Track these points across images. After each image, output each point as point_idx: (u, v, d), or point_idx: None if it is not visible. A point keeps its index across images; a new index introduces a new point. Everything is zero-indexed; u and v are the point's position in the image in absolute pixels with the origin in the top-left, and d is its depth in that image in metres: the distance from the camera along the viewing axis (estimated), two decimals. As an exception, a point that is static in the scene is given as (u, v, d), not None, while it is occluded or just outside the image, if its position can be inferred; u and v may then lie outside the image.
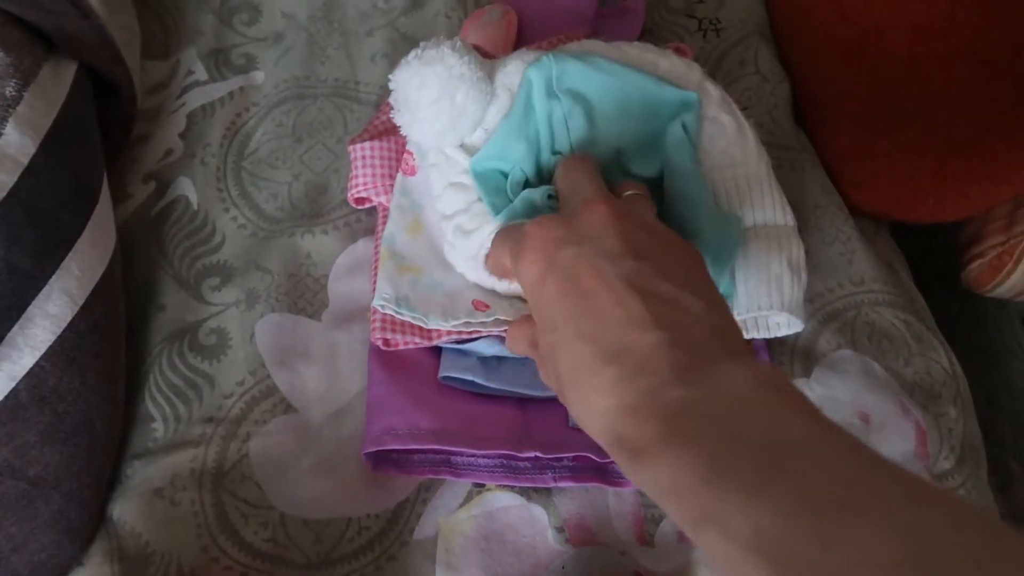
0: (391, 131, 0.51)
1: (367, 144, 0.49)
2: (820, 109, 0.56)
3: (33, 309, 0.40)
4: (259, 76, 0.58)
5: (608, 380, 0.28)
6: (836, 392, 0.46)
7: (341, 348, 0.48)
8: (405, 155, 0.48)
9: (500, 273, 0.41)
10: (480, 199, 0.42)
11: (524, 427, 0.44)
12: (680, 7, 0.60)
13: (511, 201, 0.41)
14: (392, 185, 0.48)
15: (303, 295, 0.49)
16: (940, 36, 0.46)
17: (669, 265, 0.31)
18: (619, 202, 0.34)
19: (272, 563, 0.42)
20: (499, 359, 0.45)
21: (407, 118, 0.42)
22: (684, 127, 0.42)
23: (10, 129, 0.43)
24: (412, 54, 0.41)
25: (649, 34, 0.60)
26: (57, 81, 0.47)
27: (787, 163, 0.54)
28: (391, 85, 0.42)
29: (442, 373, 0.44)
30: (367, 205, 0.51)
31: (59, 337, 0.41)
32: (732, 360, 0.28)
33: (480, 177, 0.42)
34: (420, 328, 0.44)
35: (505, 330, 0.42)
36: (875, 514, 0.22)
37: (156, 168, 0.54)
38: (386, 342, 0.44)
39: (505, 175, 0.43)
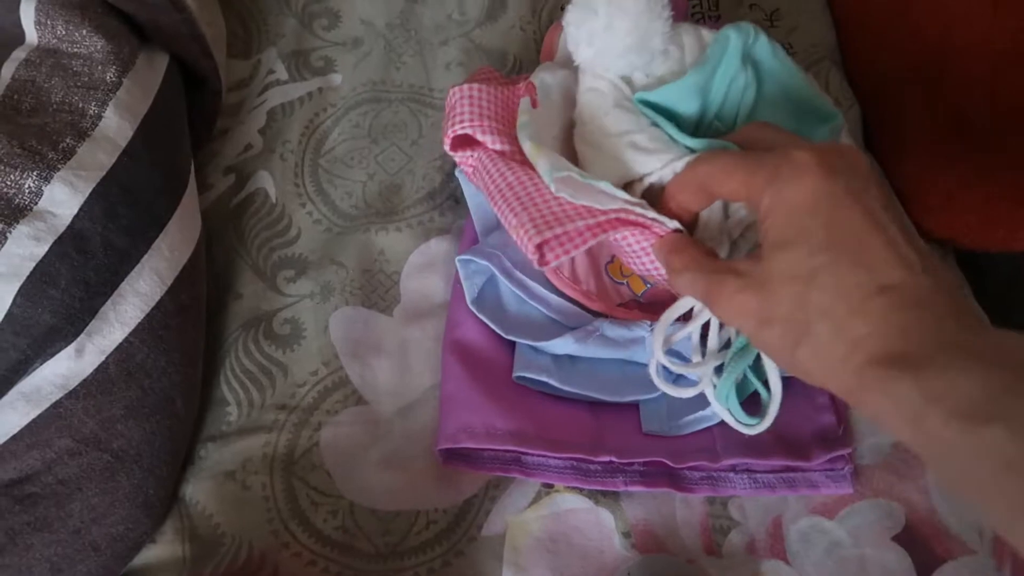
0: (494, 81, 0.47)
1: (473, 85, 0.44)
2: (892, 134, 0.56)
3: (125, 286, 0.41)
4: (337, 78, 0.59)
5: (879, 307, 0.28)
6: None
7: (412, 344, 0.48)
8: (529, 85, 0.44)
9: (694, 203, 0.37)
10: (652, 125, 0.41)
11: (597, 432, 0.44)
12: (751, 30, 0.61)
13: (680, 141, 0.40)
14: (499, 129, 0.43)
15: (376, 290, 0.50)
16: (1023, 66, 0.47)
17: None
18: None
19: (341, 551, 0.42)
20: (572, 359, 0.45)
21: (602, 24, 0.40)
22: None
23: (110, 113, 0.44)
24: None
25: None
26: (152, 70, 0.49)
27: (857, 185, 0.54)
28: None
29: (516, 373, 0.44)
30: (463, 151, 0.45)
31: (147, 315, 0.42)
32: (986, 325, 0.29)
33: (653, 108, 0.41)
34: (576, 234, 0.38)
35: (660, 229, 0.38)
36: None
37: (236, 162, 0.55)
38: (542, 253, 0.38)
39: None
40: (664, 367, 0.40)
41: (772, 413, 0.38)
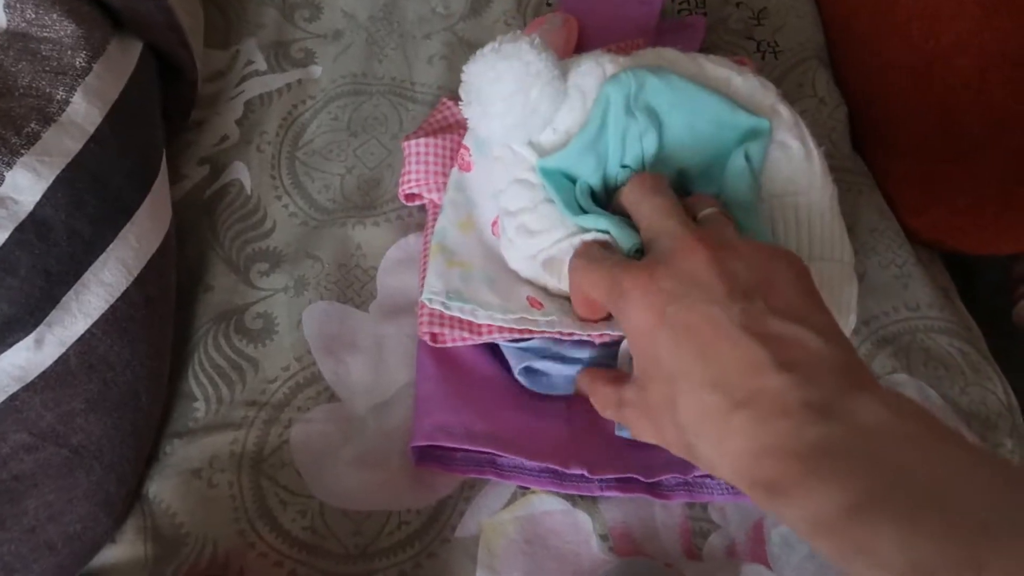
0: (446, 129, 0.50)
1: (421, 140, 0.49)
2: (880, 135, 0.55)
3: (89, 276, 0.40)
4: (317, 70, 0.58)
5: (741, 425, 0.28)
6: (892, 416, 0.45)
7: (388, 340, 0.47)
8: (462, 150, 0.47)
9: (587, 311, 0.40)
10: (546, 200, 0.41)
11: (571, 443, 0.42)
12: (740, 29, 0.61)
13: (580, 206, 0.40)
14: (444, 183, 0.48)
15: (352, 285, 0.49)
16: (1014, 65, 0.46)
17: (777, 296, 0.31)
18: (709, 235, 0.34)
19: (309, 552, 0.41)
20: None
21: (477, 111, 0.41)
22: (747, 157, 0.40)
23: (78, 98, 0.43)
24: (488, 47, 0.40)
25: (707, 53, 0.60)
26: (125, 56, 0.47)
27: (844, 185, 0.53)
28: (463, 76, 0.41)
29: (519, 366, 0.43)
30: (418, 202, 0.51)
31: (112, 306, 0.40)
32: (862, 393, 0.28)
33: (549, 176, 0.41)
34: (469, 324, 0.43)
35: (560, 333, 0.41)
36: None
37: (211, 152, 0.54)
38: (433, 337, 0.43)
39: (572, 180, 0.42)
40: None
41: None
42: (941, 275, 0.55)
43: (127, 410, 0.40)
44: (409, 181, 0.49)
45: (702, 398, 0.29)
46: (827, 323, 0.31)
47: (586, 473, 0.41)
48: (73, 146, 0.41)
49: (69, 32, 0.44)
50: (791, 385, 0.28)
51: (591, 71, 0.42)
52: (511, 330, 0.42)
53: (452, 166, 0.48)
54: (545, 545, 0.42)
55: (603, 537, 0.42)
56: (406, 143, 0.49)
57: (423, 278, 0.44)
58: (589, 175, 0.41)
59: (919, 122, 0.52)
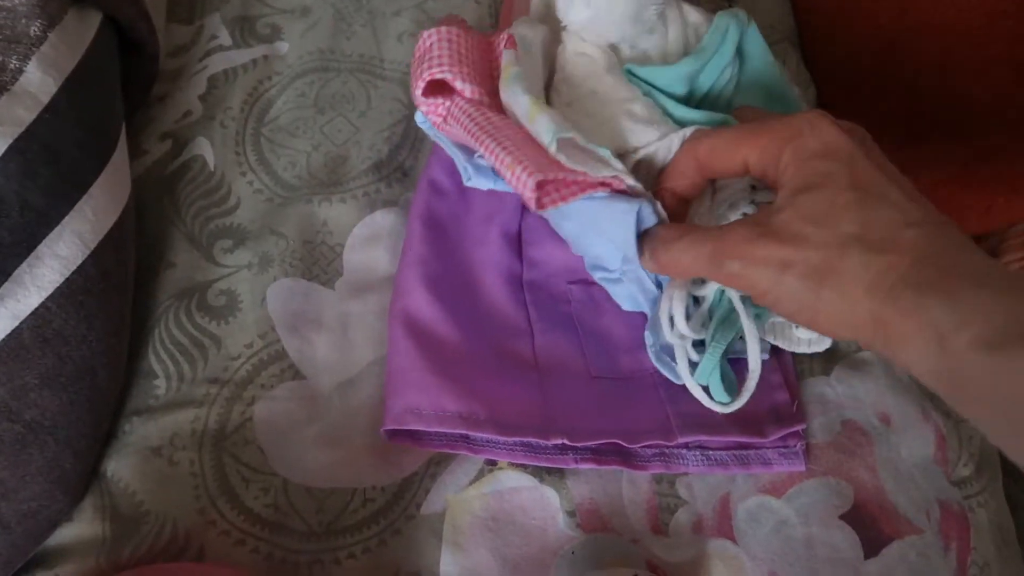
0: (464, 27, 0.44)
1: (450, 27, 0.41)
2: (847, 116, 0.55)
3: (43, 248, 0.39)
4: (283, 47, 0.57)
5: (911, 237, 0.29)
6: (856, 391, 0.45)
7: (354, 318, 0.46)
8: (511, 38, 0.41)
9: (699, 176, 0.38)
10: (647, 95, 0.41)
11: (547, 412, 0.42)
12: (710, 11, 0.60)
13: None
14: (478, 79, 0.40)
15: (317, 262, 0.48)
16: (976, 44, 0.47)
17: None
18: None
19: (272, 530, 0.40)
20: None
21: None
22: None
23: (32, 68, 0.41)
24: None
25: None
26: (83, 27, 0.46)
27: (812, 165, 0.54)
28: None
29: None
30: (437, 101, 0.41)
31: (67, 280, 0.39)
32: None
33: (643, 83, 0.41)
34: (573, 183, 0.36)
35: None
36: None
37: (174, 128, 0.53)
38: (539, 195, 0.35)
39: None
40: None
41: (750, 389, 0.39)
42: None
43: (83, 386, 0.39)
44: (440, 65, 0.39)
45: (878, 210, 0.30)
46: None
47: (566, 442, 0.41)
48: (26, 116, 0.40)
49: (23, 0, 0.43)
50: (953, 226, 0.30)
51: (672, 6, 0.44)
52: (613, 187, 0.37)
53: (480, 64, 0.41)
54: (511, 521, 0.41)
55: (570, 513, 0.42)
56: (428, 32, 0.41)
57: (506, 153, 0.36)
58: (676, 98, 0.42)
59: (884, 103, 0.52)
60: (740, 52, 0.43)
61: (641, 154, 0.39)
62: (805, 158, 0.32)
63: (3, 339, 0.37)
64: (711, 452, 0.43)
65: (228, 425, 0.42)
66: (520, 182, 0.35)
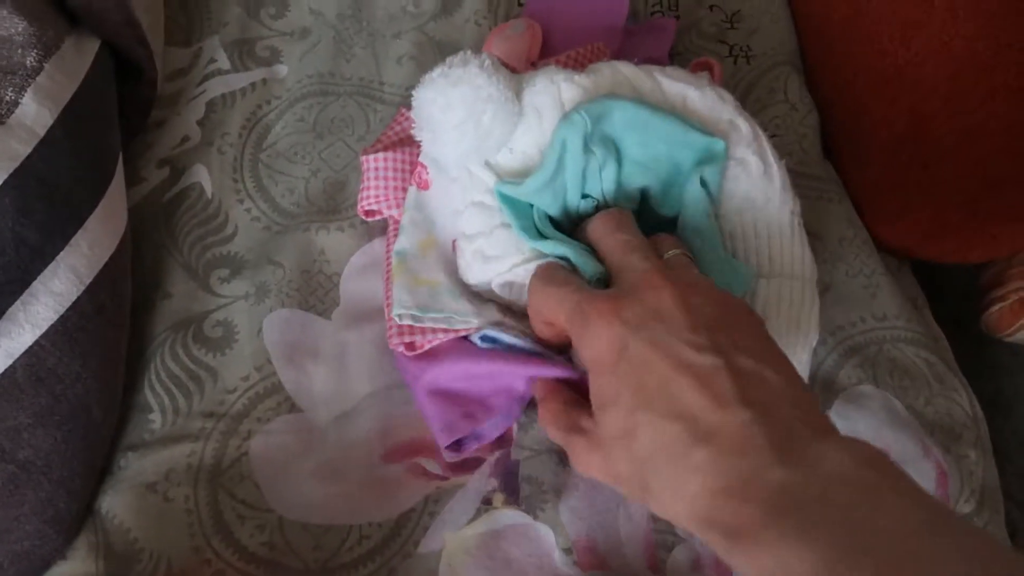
0: (405, 142, 0.49)
1: (380, 155, 0.48)
2: (850, 141, 0.55)
3: (37, 285, 0.39)
4: (282, 70, 0.57)
5: (702, 460, 0.28)
6: (857, 427, 0.45)
7: (351, 349, 0.46)
8: (419, 168, 0.45)
9: (547, 333, 0.39)
10: (503, 224, 0.40)
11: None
12: (712, 32, 0.60)
13: (538, 230, 0.40)
14: (404, 198, 0.46)
15: (315, 292, 0.48)
16: (983, 72, 0.46)
17: (740, 336, 0.31)
18: (673, 273, 0.34)
19: (267, 568, 0.40)
20: None
21: (429, 137, 0.40)
22: (703, 182, 0.40)
23: (28, 99, 0.41)
24: (437, 71, 0.39)
25: (679, 57, 0.59)
26: (79, 56, 0.46)
27: (814, 194, 0.53)
28: (413, 102, 0.40)
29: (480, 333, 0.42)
30: (378, 217, 0.49)
31: (62, 316, 0.39)
32: (823, 439, 0.28)
33: (506, 200, 0.40)
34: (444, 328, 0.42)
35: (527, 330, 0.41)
36: None
37: (171, 154, 0.52)
38: (409, 346, 0.42)
39: (531, 204, 0.41)
40: None
41: None
42: (910, 284, 0.55)
43: (78, 424, 0.39)
44: (368, 197, 0.48)
45: (664, 429, 0.29)
46: (787, 366, 0.31)
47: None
48: (22, 150, 0.40)
49: (20, 30, 0.43)
50: (755, 421, 0.28)
51: (545, 89, 0.41)
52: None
53: (411, 181, 0.47)
54: (507, 559, 0.41)
55: (566, 551, 0.41)
56: (364, 158, 0.48)
57: (388, 294, 0.43)
58: (548, 207, 0.40)
59: (889, 129, 0.52)
60: (606, 139, 0.40)
61: (498, 282, 0.41)
62: (592, 368, 0.33)
63: (-3, 378, 0.37)
64: None
65: (224, 460, 0.42)
66: (389, 335, 0.42)
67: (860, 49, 0.54)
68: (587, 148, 0.39)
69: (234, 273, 0.48)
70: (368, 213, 0.49)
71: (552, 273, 0.37)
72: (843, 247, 0.52)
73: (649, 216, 0.42)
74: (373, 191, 0.47)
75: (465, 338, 0.42)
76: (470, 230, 0.42)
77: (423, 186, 0.45)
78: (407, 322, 0.41)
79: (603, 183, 0.40)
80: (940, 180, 0.49)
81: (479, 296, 0.43)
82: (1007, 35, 0.46)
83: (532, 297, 0.37)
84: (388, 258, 0.46)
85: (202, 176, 0.51)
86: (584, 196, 0.40)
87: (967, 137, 0.48)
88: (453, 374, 0.41)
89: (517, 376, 0.41)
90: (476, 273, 0.41)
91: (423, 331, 0.42)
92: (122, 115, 0.50)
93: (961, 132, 0.48)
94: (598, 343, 0.32)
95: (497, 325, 0.41)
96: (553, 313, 0.35)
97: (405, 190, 0.47)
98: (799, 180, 0.51)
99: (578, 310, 0.33)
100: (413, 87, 0.55)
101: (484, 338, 0.41)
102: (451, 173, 0.43)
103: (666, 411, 0.29)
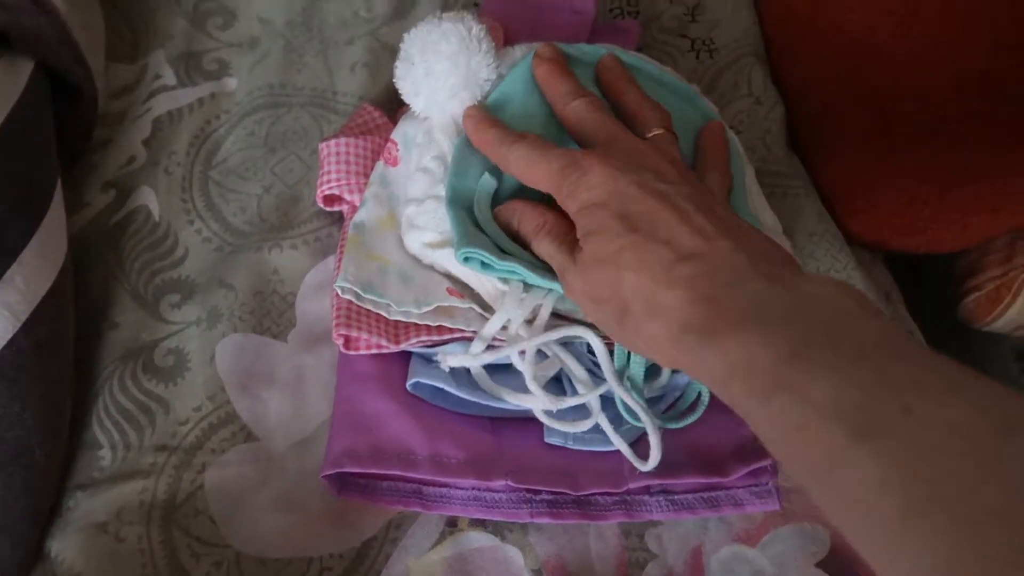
0: (367, 133, 0.48)
1: (341, 140, 0.46)
2: (816, 134, 0.54)
3: (-31, 325, 0.37)
4: (231, 83, 0.55)
5: (685, 274, 0.29)
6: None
7: (308, 372, 0.45)
8: (389, 144, 0.45)
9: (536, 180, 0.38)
10: (436, 197, 0.40)
11: (495, 449, 0.40)
12: (673, 27, 0.59)
13: (478, 224, 0.39)
14: (366, 185, 0.45)
15: (269, 314, 0.46)
16: (949, 60, 0.45)
17: (719, 208, 0.33)
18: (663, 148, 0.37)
19: (224, 607, 0.38)
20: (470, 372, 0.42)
21: (420, 71, 0.40)
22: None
23: (-46, 129, 0.40)
24: (429, 16, 0.41)
25: (640, 53, 0.57)
26: (11, 79, 0.44)
27: (780, 190, 0.52)
28: (403, 44, 0.41)
29: (411, 380, 0.41)
30: (337, 207, 0.48)
31: (-3, 356, 0.37)
32: (804, 275, 0.29)
33: (451, 205, 0.39)
34: (385, 328, 0.40)
35: (474, 332, 0.40)
36: (958, 392, 0.23)
37: (117, 176, 0.51)
38: (346, 341, 0.41)
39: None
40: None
41: (655, 447, 0.38)
42: (883, 277, 0.53)
43: (19, 467, 0.37)
44: (329, 182, 0.46)
45: (650, 249, 0.30)
46: (759, 231, 0.33)
47: (511, 483, 0.39)
48: (-53, 184, 0.38)
49: (-56, 56, 0.41)
50: (738, 249, 0.30)
51: (524, 52, 0.43)
52: (429, 333, 0.40)
53: (379, 157, 0.46)
54: (475, 584, 0.40)
55: (536, 572, 0.40)
56: (324, 144, 0.46)
57: (339, 264, 0.42)
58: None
59: (855, 120, 0.51)
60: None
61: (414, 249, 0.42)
62: (581, 208, 0.34)
63: (-71, 425, 0.35)
64: (676, 496, 0.41)
65: (178, 495, 0.41)
66: (335, 317, 0.40)
67: (826, 39, 0.53)
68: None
69: (185, 298, 0.46)
70: (328, 200, 0.47)
71: (533, 142, 0.37)
72: (813, 243, 0.50)
73: None
74: (335, 175, 0.46)
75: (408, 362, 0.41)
76: (411, 193, 0.42)
77: (392, 162, 0.45)
78: (348, 296, 0.40)
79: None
80: (907, 172, 0.48)
81: (430, 278, 0.41)
82: (974, 20, 0.45)
83: (517, 165, 0.37)
84: (344, 232, 0.45)
85: (149, 199, 0.50)
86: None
87: (933, 128, 0.46)
88: (379, 406, 0.40)
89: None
90: (408, 242, 0.41)
91: (368, 330, 0.40)
92: (62, 138, 0.48)
93: (927, 123, 0.46)
94: (592, 185, 0.33)
95: (437, 312, 0.40)
96: (545, 173, 0.36)
97: (367, 176, 0.46)
98: (764, 177, 0.50)
99: (572, 162, 0.35)
100: (366, 96, 0.54)
101: (417, 386, 0.41)
102: (417, 137, 0.44)
103: (651, 235, 0.31)
